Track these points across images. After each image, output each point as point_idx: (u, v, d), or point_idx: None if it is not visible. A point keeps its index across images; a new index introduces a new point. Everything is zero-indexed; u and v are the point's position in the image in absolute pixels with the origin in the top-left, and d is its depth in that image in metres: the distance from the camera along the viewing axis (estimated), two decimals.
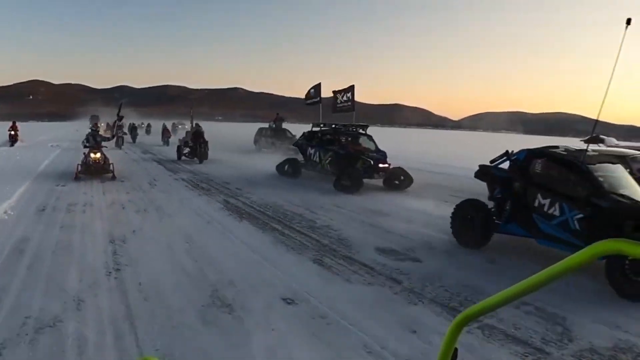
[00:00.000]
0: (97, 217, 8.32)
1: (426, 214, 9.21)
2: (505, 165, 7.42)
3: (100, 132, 14.75)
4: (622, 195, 6.03)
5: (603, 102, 6.27)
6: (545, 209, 6.43)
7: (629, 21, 6.43)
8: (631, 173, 7.06)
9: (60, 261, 5.75)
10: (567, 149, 6.78)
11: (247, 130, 34.27)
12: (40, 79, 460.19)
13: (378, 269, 5.88)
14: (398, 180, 13.06)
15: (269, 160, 17.90)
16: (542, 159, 6.81)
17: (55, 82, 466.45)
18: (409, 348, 3.76)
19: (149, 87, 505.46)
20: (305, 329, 4.06)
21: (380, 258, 6.34)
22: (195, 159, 19.04)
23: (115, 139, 19.40)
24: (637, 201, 5.93)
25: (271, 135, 26.15)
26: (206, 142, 19.41)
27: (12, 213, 8.14)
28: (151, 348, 3.63)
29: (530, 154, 6.94)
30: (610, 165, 6.70)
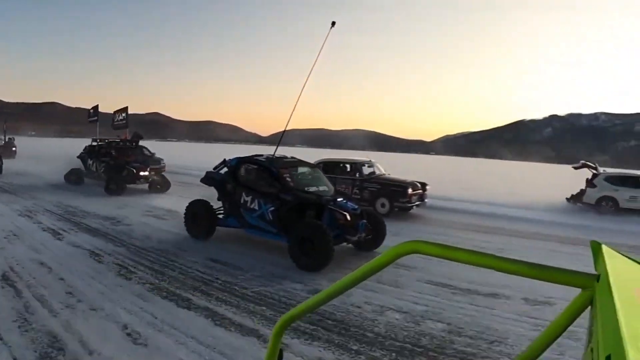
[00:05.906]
0: None
1: (164, 209, 11.76)
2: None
3: None
4: (307, 192, 7.77)
5: (290, 116, 8.13)
6: (249, 204, 7.89)
7: (333, 24, 8.32)
8: None
9: None
10: (267, 157, 8.29)
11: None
12: None
13: (100, 228, 9.07)
14: (160, 185, 15.66)
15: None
16: (247, 164, 8.30)
17: None
18: None
19: None
20: None
21: (105, 223, 9.60)
22: None
23: None
24: (319, 195, 7.73)
25: None
26: (0, 157, 20.09)
27: None
28: None
29: (240, 161, 8.37)
30: (305, 168, 8.52)
